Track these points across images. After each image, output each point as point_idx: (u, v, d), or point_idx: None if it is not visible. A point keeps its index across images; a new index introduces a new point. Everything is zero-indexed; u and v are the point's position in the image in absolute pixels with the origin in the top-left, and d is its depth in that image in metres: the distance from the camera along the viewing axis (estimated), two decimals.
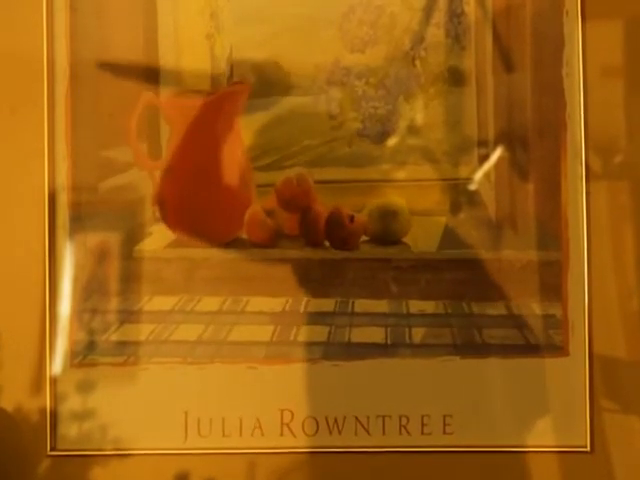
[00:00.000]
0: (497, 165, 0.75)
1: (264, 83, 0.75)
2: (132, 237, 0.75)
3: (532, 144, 0.74)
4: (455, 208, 0.75)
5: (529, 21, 0.74)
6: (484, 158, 0.75)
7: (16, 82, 0.74)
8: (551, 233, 0.73)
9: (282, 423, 0.73)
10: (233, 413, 0.73)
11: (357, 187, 0.76)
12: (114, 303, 0.74)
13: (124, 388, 0.73)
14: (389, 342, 0.73)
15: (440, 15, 0.75)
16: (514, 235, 0.74)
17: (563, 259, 0.72)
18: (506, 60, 0.74)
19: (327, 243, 0.76)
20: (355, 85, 0.75)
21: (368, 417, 0.73)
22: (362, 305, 0.74)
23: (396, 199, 0.75)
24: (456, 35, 0.75)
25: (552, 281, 0.73)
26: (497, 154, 0.75)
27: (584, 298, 0.72)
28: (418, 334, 0.73)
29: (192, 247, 0.76)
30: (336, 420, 0.73)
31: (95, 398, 0.73)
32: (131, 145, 0.75)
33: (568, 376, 0.72)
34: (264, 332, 0.74)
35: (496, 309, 0.73)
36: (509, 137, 0.74)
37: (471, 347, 0.73)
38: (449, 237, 0.75)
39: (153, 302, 0.74)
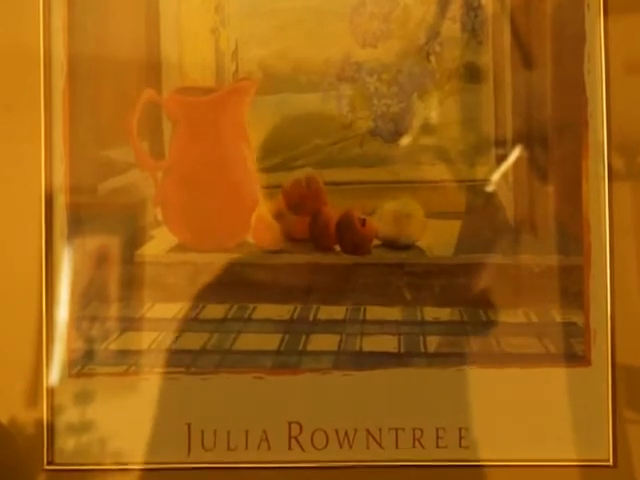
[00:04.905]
0: (515, 165, 0.74)
1: (271, 79, 0.75)
2: (133, 241, 0.74)
3: (552, 143, 0.73)
4: (471, 210, 0.74)
5: (549, 15, 0.73)
6: (502, 158, 0.74)
7: (12, 78, 0.73)
8: (572, 237, 0.72)
9: (290, 436, 0.72)
10: (238, 425, 0.72)
11: (369, 189, 0.75)
12: (114, 310, 0.73)
13: (124, 399, 0.72)
14: (402, 351, 0.72)
15: (456, 8, 0.74)
16: (533, 239, 0.73)
17: (585, 264, 0.71)
18: (525, 56, 0.74)
19: (337, 247, 0.75)
20: (367, 81, 0.74)
21: (380, 430, 0.72)
22: (374, 312, 0.73)
23: (410, 201, 0.74)
24: (473, 29, 0.74)
25: (573, 287, 0.72)
26: (515, 154, 0.74)
27: (607, 305, 0.71)
28: (433, 343, 0.73)
29: (196, 251, 0.75)
30: (347, 433, 0.72)
31: (94, 410, 0.72)
32: (132, 144, 0.74)
33: (590, 387, 0.71)
34: (271, 341, 0.73)
35: (514, 316, 0.72)
36: (528, 136, 0.74)
37: (488, 356, 0.72)
38: (465, 241, 0.74)
39: (155, 309, 0.74)
